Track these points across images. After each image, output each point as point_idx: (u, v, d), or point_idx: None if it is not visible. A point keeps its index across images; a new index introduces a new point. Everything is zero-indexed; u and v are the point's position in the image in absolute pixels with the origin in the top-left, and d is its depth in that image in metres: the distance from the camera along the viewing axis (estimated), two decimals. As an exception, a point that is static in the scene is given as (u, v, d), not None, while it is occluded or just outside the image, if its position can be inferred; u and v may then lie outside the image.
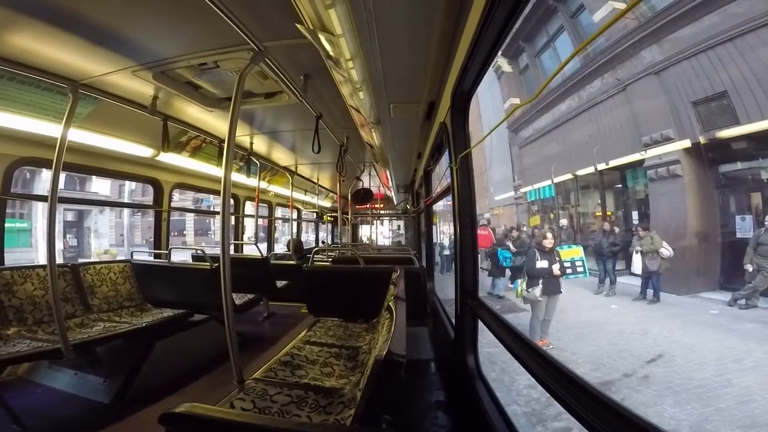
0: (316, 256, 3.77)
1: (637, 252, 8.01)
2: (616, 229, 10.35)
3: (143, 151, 3.64)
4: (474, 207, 2.32)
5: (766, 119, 7.38)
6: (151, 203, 4.47)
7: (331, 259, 5.03)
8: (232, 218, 6.12)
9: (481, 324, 2.03)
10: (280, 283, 4.61)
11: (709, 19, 8.38)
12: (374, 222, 12.29)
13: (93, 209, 22.76)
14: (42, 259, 2.53)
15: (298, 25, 1.77)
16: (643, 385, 4.71)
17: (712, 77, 8.46)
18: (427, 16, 1.70)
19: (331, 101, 3.16)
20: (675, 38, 9.29)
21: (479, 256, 2.34)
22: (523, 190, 18.96)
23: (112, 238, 23.47)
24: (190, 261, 4.47)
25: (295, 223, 8.33)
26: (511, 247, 10.26)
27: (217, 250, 1.93)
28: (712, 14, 8.29)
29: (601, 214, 13.28)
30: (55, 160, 2.35)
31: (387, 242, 17.24)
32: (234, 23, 1.80)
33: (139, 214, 24.04)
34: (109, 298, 3.46)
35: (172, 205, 4.60)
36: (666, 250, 7.63)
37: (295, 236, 7.51)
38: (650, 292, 8.13)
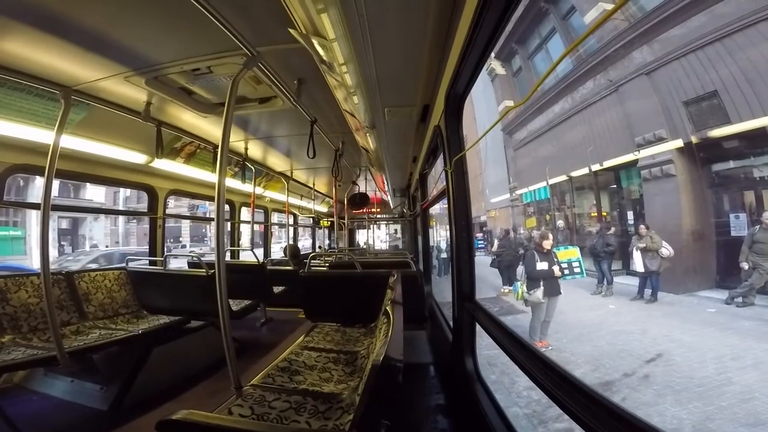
0: (312, 261, 3.75)
1: (637, 250, 8.01)
2: (612, 230, 10.41)
3: (137, 157, 3.61)
4: (469, 210, 2.32)
5: (756, 118, 7.46)
6: (146, 210, 4.44)
7: (327, 264, 5.01)
8: (228, 224, 6.09)
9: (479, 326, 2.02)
10: (277, 289, 4.58)
11: (697, 20, 8.50)
12: (371, 226, 12.27)
13: (88, 217, 22.60)
14: (36, 266, 2.52)
15: (291, 30, 1.77)
16: (643, 385, 4.71)
17: (702, 77, 8.56)
18: (419, 19, 1.71)
19: (326, 106, 3.15)
20: (665, 39, 9.41)
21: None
22: (518, 192, 19.05)
23: (108, 245, 23.30)
24: (186, 268, 4.44)
25: (291, 229, 8.31)
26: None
27: (214, 257, 1.91)
28: (700, 14, 8.41)
29: (596, 214, 13.36)
30: (47, 167, 2.33)
31: (384, 246, 17.22)
32: (226, 28, 1.80)
33: (135, 221, 23.89)
34: (104, 305, 3.42)
35: (168, 211, 4.57)
36: (666, 250, 7.65)
37: (291, 241, 7.49)
38: (647, 291, 8.15)
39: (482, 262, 12.84)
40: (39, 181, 2.76)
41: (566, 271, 7.13)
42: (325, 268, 4.58)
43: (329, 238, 12.42)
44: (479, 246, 18.43)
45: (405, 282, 2.59)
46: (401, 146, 4.19)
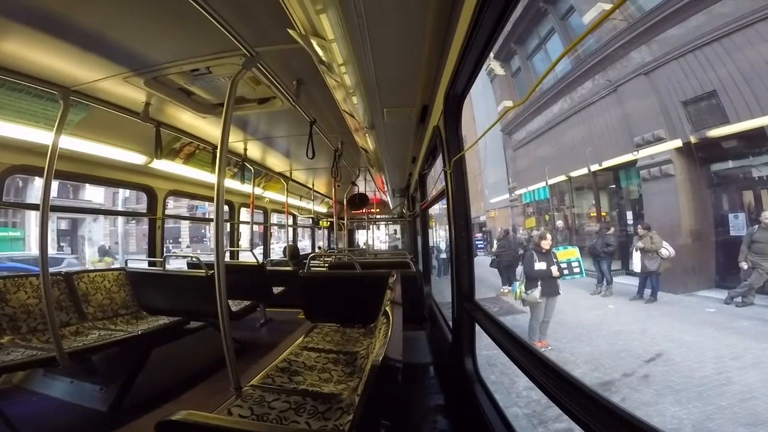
0: (312, 261, 3.75)
1: (637, 250, 8.00)
2: (612, 230, 10.41)
3: (136, 158, 3.61)
4: (468, 210, 2.32)
5: (755, 118, 7.47)
6: (145, 211, 4.44)
7: (327, 265, 5.01)
8: (227, 225, 6.09)
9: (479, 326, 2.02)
10: (276, 290, 4.57)
11: (695, 20, 8.51)
12: (370, 227, 12.28)
13: (87, 217, 22.57)
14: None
15: (290, 31, 1.77)
16: (643, 385, 4.71)
17: (700, 77, 8.57)
18: (418, 19, 1.71)
19: (325, 106, 3.15)
20: (663, 39, 9.42)
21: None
22: (518, 192, 19.07)
23: (106, 246, 23.25)
24: (186, 268, 4.44)
25: (290, 229, 8.32)
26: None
27: (213, 257, 1.91)
28: (699, 15, 8.42)
29: (595, 214, 13.37)
30: (46, 168, 2.32)
31: (383, 247, 17.23)
32: (225, 29, 1.80)
33: (134, 222, 23.86)
34: (103, 306, 3.42)
35: (167, 212, 4.56)
36: (666, 250, 7.64)
37: (290, 242, 7.49)
38: (647, 291, 8.16)
39: (482, 262, 12.88)
40: (38, 182, 2.75)
41: (566, 272, 7.13)
42: (324, 269, 4.58)
43: (328, 238, 12.42)
44: (479, 246, 18.56)
45: (404, 282, 2.59)
46: (400, 147, 4.19)
